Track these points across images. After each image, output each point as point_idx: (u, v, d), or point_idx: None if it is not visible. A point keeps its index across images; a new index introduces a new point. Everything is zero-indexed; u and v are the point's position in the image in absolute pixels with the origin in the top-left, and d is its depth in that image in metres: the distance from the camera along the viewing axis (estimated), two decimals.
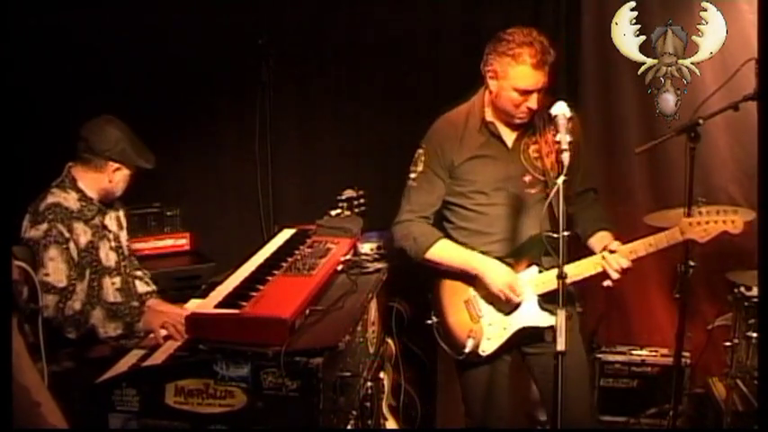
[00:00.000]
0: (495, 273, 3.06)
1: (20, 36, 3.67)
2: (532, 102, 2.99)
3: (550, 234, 2.84)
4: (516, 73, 2.95)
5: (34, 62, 3.83)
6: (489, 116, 3.11)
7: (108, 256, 3.13)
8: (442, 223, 3.24)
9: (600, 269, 2.99)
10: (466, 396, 3.31)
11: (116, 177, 3.10)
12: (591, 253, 3.08)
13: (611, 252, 2.97)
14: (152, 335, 2.79)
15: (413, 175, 3.17)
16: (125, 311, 2.93)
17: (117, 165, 3.07)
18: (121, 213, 3.31)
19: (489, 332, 3.13)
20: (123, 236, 3.28)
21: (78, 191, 3.07)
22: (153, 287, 3.32)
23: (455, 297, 3.17)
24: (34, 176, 3.10)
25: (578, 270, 2.98)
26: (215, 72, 4.38)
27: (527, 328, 3.11)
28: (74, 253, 2.97)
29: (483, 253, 3.12)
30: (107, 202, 3.17)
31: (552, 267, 2.81)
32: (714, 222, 2.97)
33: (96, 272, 3.07)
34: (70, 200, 3.03)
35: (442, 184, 3.14)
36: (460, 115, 3.16)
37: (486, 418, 3.26)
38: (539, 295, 3.07)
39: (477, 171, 3.10)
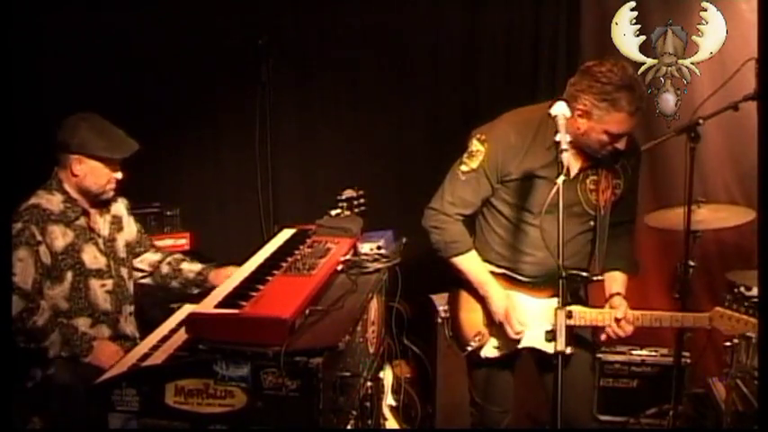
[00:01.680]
0: (501, 302, 3.09)
1: (20, 35, 3.67)
2: (621, 144, 2.90)
3: (579, 273, 2.93)
4: (612, 119, 2.82)
5: (34, 61, 3.84)
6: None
7: (96, 259, 3.11)
8: (477, 216, 3.19)
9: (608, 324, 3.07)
10: (471, 386, 3.34)
11: (78, 169, 3.04)
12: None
13: (618, 320, 3.04)
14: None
15: (464, 168, 3.03)
16: (77, 342, 2.97)
17: (76, 156, 3.02)
18: (122, 213, 3.29)
19: (497, 341, 3.16)
20: (122, 237, 3.27)
21: (63, 192, 3.06)
22: (197, 263, 3.39)
23: (476, 297, 3.18)
24: (37, 179, 3.10)
25: (600, 317, 3.05)
26: (215, 72, 4.38)
27: (534, 349, 3.15)
28: (45, 257, 2.96)
29: (511, 269, 3.12)
30: (96, 203, 3.15)
31: (575, 303, 2.87)
32: (745, 324, 3.01)
33: (81, 274, 3.06)
34: (53, 202, 3.03)
35: (489, 188, 3.06)
36: (531, 123, 2.99)
37: (490, 410, 3.29)
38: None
39: (531, 190, 3.01)
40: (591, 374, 3.49)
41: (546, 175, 2.97)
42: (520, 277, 3.12)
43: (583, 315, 3.01)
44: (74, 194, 3.08)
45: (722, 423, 3.86)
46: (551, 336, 2.66)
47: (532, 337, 3.13)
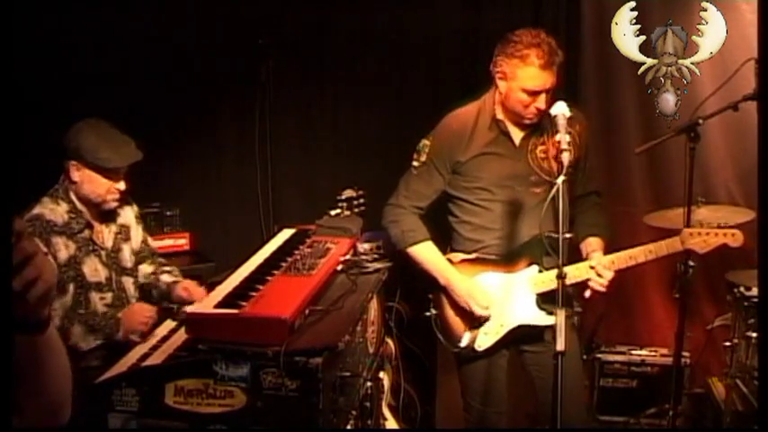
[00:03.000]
0: (461, 287, 3.14)
1: (20, 37, 3.67)
2: (540, 102, 3.01)
3: (551, 234, 2.89)
4: (524, 74, 2.97)
5: (34, 63, 3.83)
6: (499, 114, 3.14)
7: (96, 271, 3.05)
8: (447, 217, 3.28)
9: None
10: (464, 389, 3.35)
11: (76, 176, 2.97)
12: (580, 257, 3.15)
13: (591, 268, 3.04)
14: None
15: (415, 164, 3.22)
16: (102, 323, 2.93)
17: (74, 162, 2.96)
18: (131, 223, 3.23)
19: (486, 328, 3.16)
20: (129, 246, 3.21)
21: (69, 202, 3.00)
22: (179, 277, 3.30)
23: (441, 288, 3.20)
24: (44, 180, 3.09)
25: (578, 272, 3.04)
26: (215, 72, 4.37)
27: (524, 327, 3.14)
28: None
29: (484, 249, 3.18)
30: (100, 214, 3.09)
31: (552, 268, 2.84)
32: (715, 235, 3.05)
33: (82, 286, 3.01)
34: (58, 212, 2.97)
35: (441, 179, 3.19)
36: (471, 113, 3.19)
37: (484, 412, 3.28)
38: (537, 295, 3.10)
39: (483, 168, 3.14)
40: (580, 371, 3.48)
41: (493, 150, 3.13)
42: (493, 256, 3.17)
43: (574, 273, 2.99)
44: (79, 205, 3.02)
45: (722, 423, 3.87)
46: (552, 335, 2.65)
47: (518, 313, 3.14)
